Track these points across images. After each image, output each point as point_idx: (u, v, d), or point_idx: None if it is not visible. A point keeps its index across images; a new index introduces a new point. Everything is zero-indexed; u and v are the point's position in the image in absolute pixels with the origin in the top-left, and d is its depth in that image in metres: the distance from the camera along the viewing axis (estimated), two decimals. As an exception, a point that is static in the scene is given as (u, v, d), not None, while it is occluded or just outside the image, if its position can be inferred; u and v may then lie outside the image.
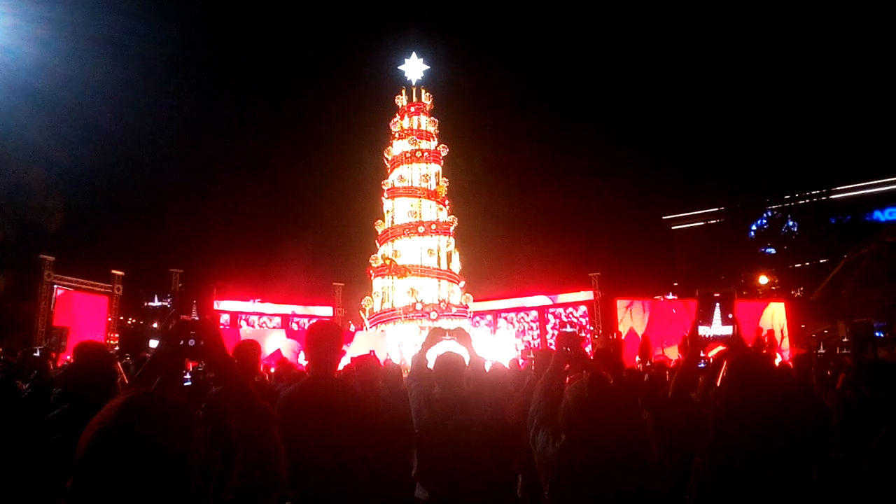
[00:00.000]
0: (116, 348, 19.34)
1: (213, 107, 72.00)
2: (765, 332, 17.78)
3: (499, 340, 24.83)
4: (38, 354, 10.23)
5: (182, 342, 1.99)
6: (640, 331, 19.58)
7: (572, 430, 2.85)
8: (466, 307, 23.50)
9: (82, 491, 1.32)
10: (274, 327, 25.16)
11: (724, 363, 3.10)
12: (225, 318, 25.59)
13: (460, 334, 4.57)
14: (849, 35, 54.42)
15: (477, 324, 25.32)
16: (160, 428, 1.37)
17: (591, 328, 23.95)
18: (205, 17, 68.07)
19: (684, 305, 20.29)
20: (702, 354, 3.69)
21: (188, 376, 4.95)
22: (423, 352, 4.76)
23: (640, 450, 2.77)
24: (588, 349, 11.81)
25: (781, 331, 18.52)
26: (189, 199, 54.35)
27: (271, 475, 1.82)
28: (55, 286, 21.84)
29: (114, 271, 24.35)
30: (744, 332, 3.45)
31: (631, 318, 20.77)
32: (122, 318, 27.10)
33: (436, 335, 4.71)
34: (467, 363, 4.52)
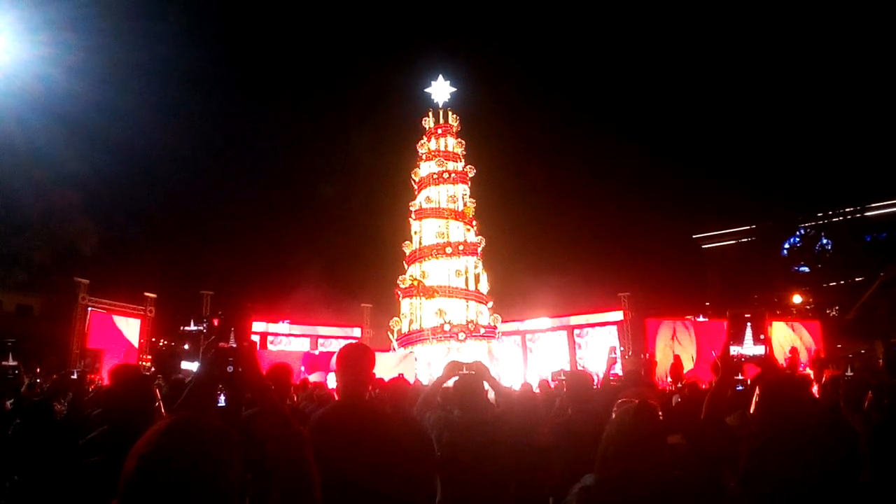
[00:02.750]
0: (152, 369, 19.59)
1: (241, 129, 73.19)
2: (812, 353, 17.45)
3: (528, 361, 24.70)
4: (75, 377, 10.39)
5: (221, 369, 2.04)
6: (689, 352, 19.33)
7: (604, 467, 2.58)
8: (495, 328, 23.41)
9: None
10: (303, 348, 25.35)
11: (758, 387, 3.05)
12: (254, 339, 25.77)
13: (479, 369, 4.48)
14: (884, 52, 53.72)
15: (508, 343, 25.22)
16: (203, 452, 1.39)
17: (622, 349, 23.69)
18: (233, 42, 69.46)
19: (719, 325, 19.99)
20: (740, 376, 3.63)
21: (222, 399, 5.00)
22: (438, 385, 4.72)
23: (679, 498, 2.49)
24: (619, 370, 11.70)
25: (794, 349, 18.02)
26: (219, 222, 55.02)
27: (308, 501, 1.84)
28: (89, 308, 22.22)
29: (146, 293, 24.70)
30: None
31: (679, 343, 20.46)
32: (154, 339, 27.42)
33: (453, 370, 4.64)
34: (491, 397, 4.48)
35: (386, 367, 16.18)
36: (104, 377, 14.94)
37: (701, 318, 22.74)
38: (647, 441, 2.50)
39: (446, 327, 21.94)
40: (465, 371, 4.54)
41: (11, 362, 10.57)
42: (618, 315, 24.85)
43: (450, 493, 3.93)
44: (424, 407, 4.96)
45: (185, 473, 1.35)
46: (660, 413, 2.67)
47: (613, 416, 2.77)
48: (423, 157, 25.58)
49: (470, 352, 21.03)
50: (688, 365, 16.08)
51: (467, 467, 3.82)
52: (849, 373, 8.11)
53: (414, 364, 19.96)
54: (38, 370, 12.85)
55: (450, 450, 3.97)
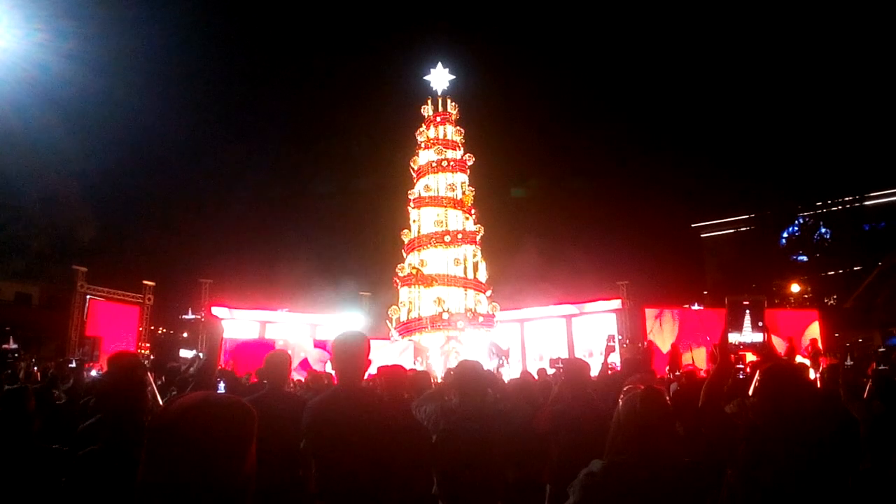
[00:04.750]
0: (151, 358, 19.62)
1: (240, 118, 73.00)
2: (808, 342, 17.41)
3: (526, 349, 24.75)
4: (73, 365, 10.42)
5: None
6: (669, 341, 19.34)
7: (614, 453, 2.55)
8: (493, 316, 23.43)
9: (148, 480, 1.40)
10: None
11: (757, 374, 3.03)
12: (254, 326, 25.87)
13: (491, 378, 4.52)
14: (883, 41, 53.54)
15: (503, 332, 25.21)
16: (228, 427, 1.44)
17: (620, 337, 23.71)
18: (231, 30, 69.13)
19: (714, 314, 20.00)
20: (740, 365, 3.61)
21: (222, 386, 5.01)
22: (446, 388, 4.74)
23: (687, 483, 2.42)
24: (616, 358, 11.73)
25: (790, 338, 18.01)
26: (218, 210, 55.00)
27: None
28: (88, 296, 22.22)
29: (144, 282, 24.71)
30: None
31: (661, 329, 20.54)
32: (152, 327, 27.46)
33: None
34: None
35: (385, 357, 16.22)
36: (103, 365, 14.98)
37: (696, 307, 22.74)
38: (657, 426, 2.48)
39: (445, 316, 21.95)
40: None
41: (12, 345, 10.61)
42: (616, 303, 24.86)
43: (446, 481, 3.92)
44: (427, 400, 4.96)
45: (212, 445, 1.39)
46: (668, 398, 2.60)
47: (621, 403, 2.70)
48: (422, 145, 25.51)
49: (469, 340, 21.06)
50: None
51: (464, 455, 3.80)
52: (848, 362, 8.14)
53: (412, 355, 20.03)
54: (33, 359, 12.89)
55: (446, 437, 3.96)
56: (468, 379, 4.16)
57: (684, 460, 2.56)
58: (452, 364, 17.98)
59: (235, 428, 1.44)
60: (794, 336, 18.53)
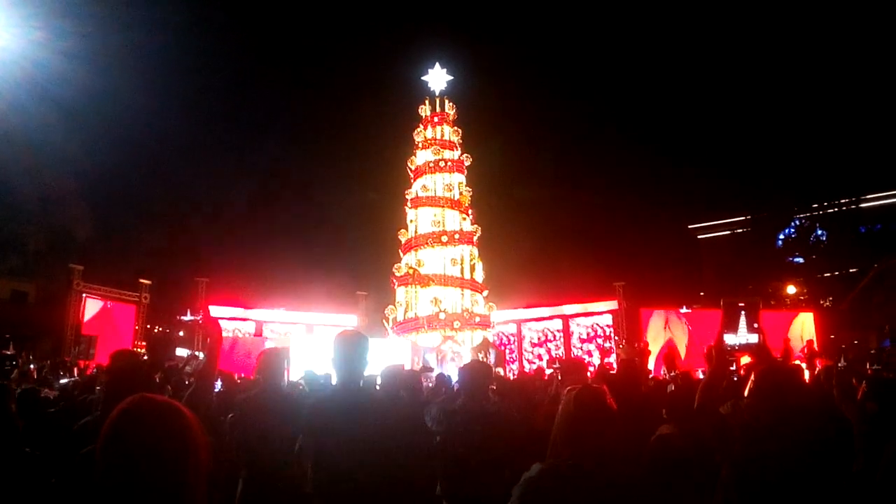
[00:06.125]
0: (145, 357, 19.59)
1: (237, 117, 72.92)
2: (804, 343, 17.40)
3: (524, 350, 24.77)
4: (66, 381, 10.47)
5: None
6: (683, 341, 19.33)
7: (553, 456, 2.44)
8: (489, 317, 23.44)
9: (100, 486, 1.46)
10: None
11: (752, 375, 3.05)
12: (250, 326, 25.82)
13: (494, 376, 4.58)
14: (880, 43, 53.62)
15: (500, 334, 25.19)
16: (157, 429, 1.49)
17: (616, 338, 23.75)
18: (229, 28, 68.99)
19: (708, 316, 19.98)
20: (733, 367, 3.63)
21: (219, 384, 5.03)
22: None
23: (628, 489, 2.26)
24: (613, 359, 11.77)
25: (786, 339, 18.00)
26: (215, 209, 54.85)
27: None
28: (84, 295, 22.17)
29: (141, 280, 24.67)
30: (771, 342, 3.40)
31: (670, 331, 20.49)
32: (148, 326, 27.44)
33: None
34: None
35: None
36: (97, 364, 14.95)
37: (684, 310, 22.63)
38: (593, 426, 2.35)
39: (441, 316, 21.94)
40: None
41: (9, 352, 10.63)
42: (612, 304, 24.88)
43: (450, 481, 3.94)
44: (432, 406, 4.99)
45: (140, 449, 1.45)
46: (607, 397, 2.44)
47: (561, 405, 2.54)
48: (420, 145, 25.48)
49: (465, 340, 21.07)
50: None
51: (467, 455, 3.82)
52: (842, 363, 8.17)
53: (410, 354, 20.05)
54: (30, 356, 12.88)
55: (450, 438, 3.99)
56: (473, 380, 4.18)
57: (628, 463, 2.43)
58: (448, 364, 18.00)
59: (167, 428, 1.48)
60: (779, 335, 18.52)
